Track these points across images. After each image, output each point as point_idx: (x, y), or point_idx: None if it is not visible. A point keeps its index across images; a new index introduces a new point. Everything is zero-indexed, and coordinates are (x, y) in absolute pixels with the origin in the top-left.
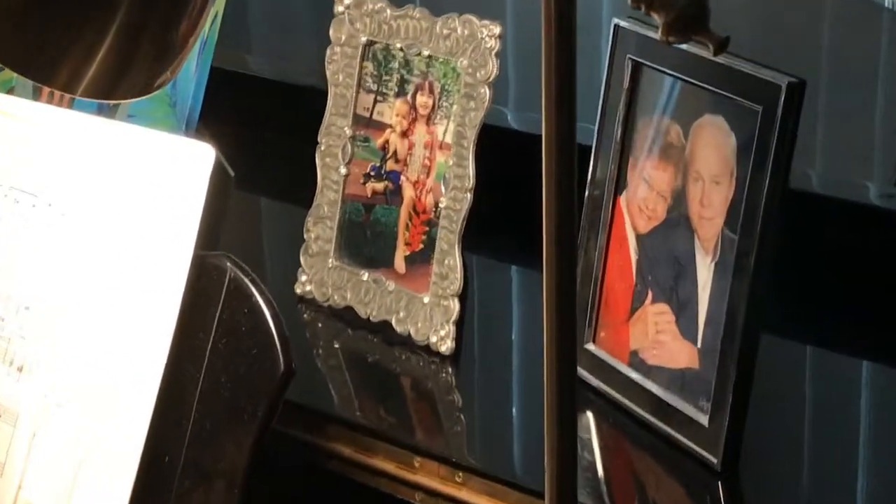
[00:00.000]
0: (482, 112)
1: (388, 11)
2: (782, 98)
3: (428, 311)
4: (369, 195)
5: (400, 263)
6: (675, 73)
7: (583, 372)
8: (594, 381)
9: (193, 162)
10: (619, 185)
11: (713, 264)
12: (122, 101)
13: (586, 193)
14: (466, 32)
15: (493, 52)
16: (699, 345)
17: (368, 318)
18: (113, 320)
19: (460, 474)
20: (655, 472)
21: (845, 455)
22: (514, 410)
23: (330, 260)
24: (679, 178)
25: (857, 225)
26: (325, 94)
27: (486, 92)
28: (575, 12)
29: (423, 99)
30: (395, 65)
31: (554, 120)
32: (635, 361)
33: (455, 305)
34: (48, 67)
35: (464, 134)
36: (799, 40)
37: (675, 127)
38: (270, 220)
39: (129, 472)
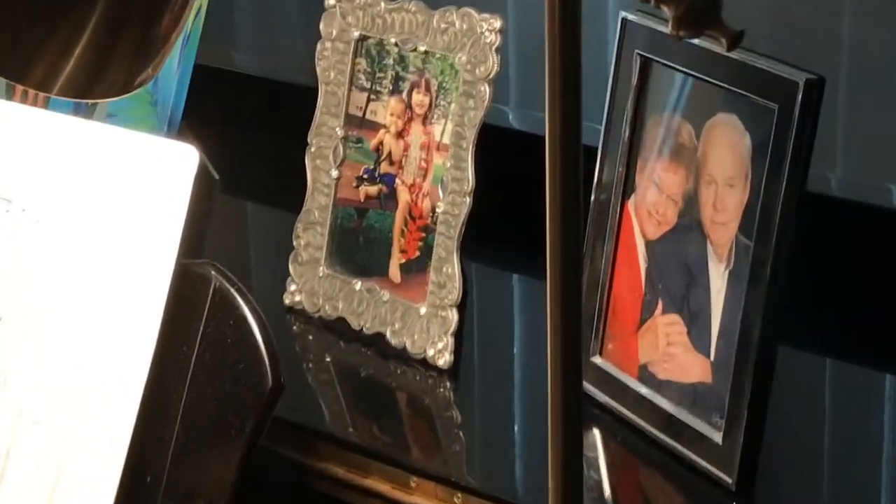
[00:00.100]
0: (482, 111)
1: (382, 4)
2: (800, 96)
3: (425, 323)
4: (362, 199)
5: (395, 272)
6: (686, 70)
7: (589, 386)
8: (601, 397)
9: (176, 164)
10: (627, 188)
11: (727, 272)
12: (101, 101)
13: (592, 197)
14: (465, 26)
15: (494, 48)
16: (712, 357)
17: (361, 330)
18: (92, 333)
19: (459, 495)
20: (666, 493)
21: (867, 473)
22: (515, 427)
23: (321, 268)
24: (691, 180)
25: (879, 230)
26: (315, 92)
27: (485, 90)
28: (580, 5)
29: (419, 97)
30: (390, 61)
31: (558, 119)
32: (645, 375)
33: (453, 316)
34: (21, 64)
35: (462, 134)
36: (817, 34)
37: (686, 126)
38: (257, 227)
39: (108, 491)
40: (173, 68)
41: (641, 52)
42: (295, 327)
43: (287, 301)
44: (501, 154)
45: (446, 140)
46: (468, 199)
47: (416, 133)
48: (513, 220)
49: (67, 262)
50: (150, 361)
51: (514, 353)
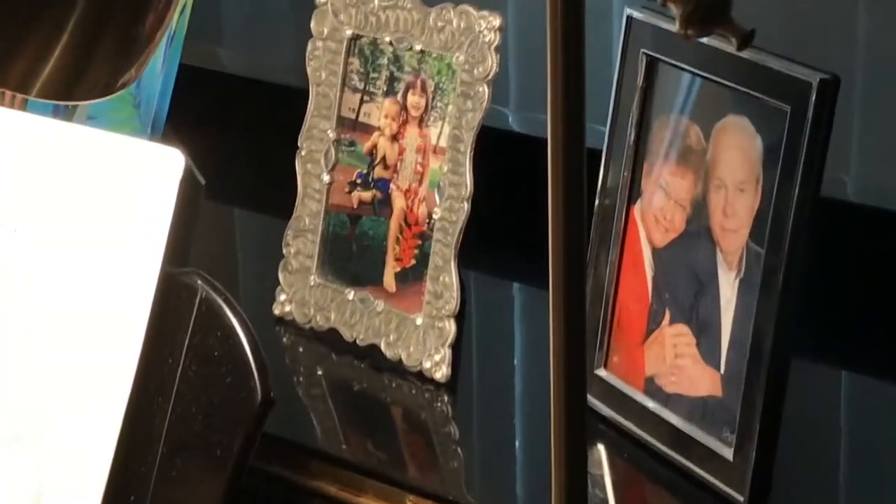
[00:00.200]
0: (480, 113)
1: (376, 1)
2: (813, 96)
3: (421, 334)
4: (355, 205)
5: (390, 281)
6: (694, 70)
7: (593, 400)
8: (606, 411)
9: (161, 169)
10: (633, 193)
11: (737, 281)
12: (82, 103)
13: (596, 203)
14: (463, 25)
15: (493, 47)
16: (722, 370)
17: (355, 342)
18: (73, 344)
19: None
20: None
21: (887, 490)
22: (516, 444)
23: (312, 277)
24: (699, 185)
25: None
26: (305, 93)
27: (484, 90)
28: (583, 2)
29: (414, 99)
30: (384, 61)
31: (560, 121)
32: (651, 389)
33: (451, 327)
34: None
35: (460, 137)
36: (831, 31)
37: (694, 129)
38: (246, 234)
39: None
40: (157, 68)
41: (647, 52)
42: (285, 339)
43: (277, 311)
44: (501, 158)
45: (443, 143)
46: (466, 205)
47: (411, 136)
48: (513, 226)
49: (46, 271)
50: (133, 375)
51: (514, 365)
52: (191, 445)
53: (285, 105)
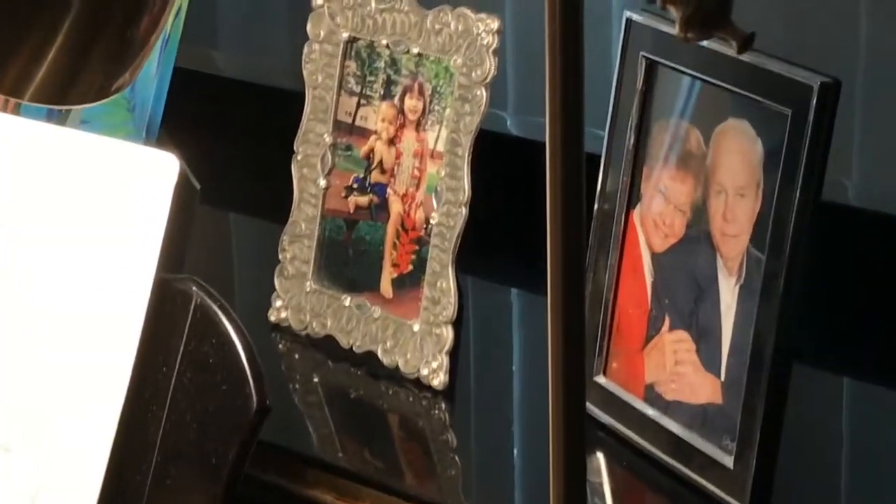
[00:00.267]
0: (478, 117)
1: (373, 4)
2: (814, 100)
3: (418, 341)
4: (352, 210)
5: (386, 287)
6: (694, 73)
7: (592, 408)
8: (605, 418)
9: (155, 173)
10: (632, 198)
11: (738, 286)
12: (76, 107)
13: (595, 207)
14: (461, 27)
15: (491, 50)
16: (723, 377)
17: (351, 349)
18: (65, 353)
19: None
20: None
21: (888, 499)
22: (514, 451)
23: (308, 283)
24: (699, 189)
25: None
26: (301, 96)
27: (482, 94)
28: (582, 5)
29: (412, 102)
30: (381, 64)
31: (559, 125)
32: (651, 396)
33: (448, 334)
34: None
35: (458, 141)
36: (832, 35)
37: (694, 133)
38: (241, 239)
39: None
40: (152, 72)
41: (647, 55)
42: (281, 346)
43: (272, 318)
44: (499, 162)
45: (441, 147)
46: (464, 210)
47: (408, 140)
48: (511, 231)
49: (40, 278)
50: (127, 383)
51: (512, 372)
52: (185, 453)
53: (281, 109)
